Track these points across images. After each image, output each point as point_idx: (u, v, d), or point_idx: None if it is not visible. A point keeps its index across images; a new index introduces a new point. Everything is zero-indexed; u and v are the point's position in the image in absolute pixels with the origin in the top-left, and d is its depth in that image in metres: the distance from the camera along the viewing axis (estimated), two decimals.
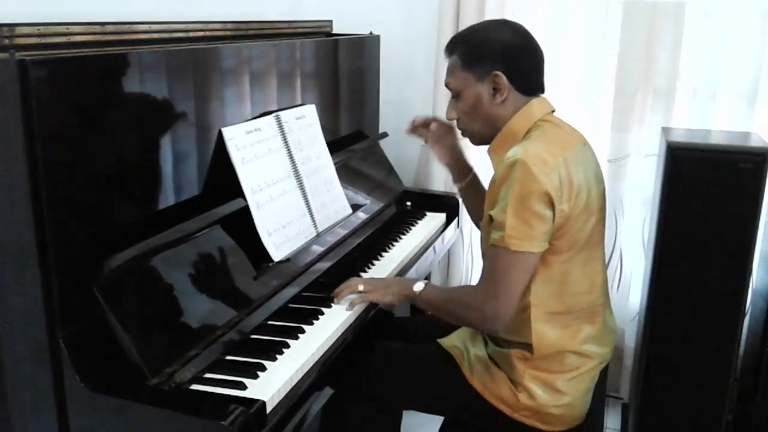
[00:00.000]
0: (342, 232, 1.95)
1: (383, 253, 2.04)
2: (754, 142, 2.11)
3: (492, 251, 1.50)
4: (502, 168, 1.48)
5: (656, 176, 2.37)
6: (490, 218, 1.51)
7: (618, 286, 2.66)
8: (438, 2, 2.59)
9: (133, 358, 1.22)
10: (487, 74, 1.57)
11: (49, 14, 1.46)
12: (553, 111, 1.64)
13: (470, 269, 2.82)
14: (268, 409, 1.27)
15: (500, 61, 1.56)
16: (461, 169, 1.94)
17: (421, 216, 2.43)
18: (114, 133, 1.32)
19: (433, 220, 2.42)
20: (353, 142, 2.34)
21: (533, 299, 1.52)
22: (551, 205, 1.44)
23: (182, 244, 1.43)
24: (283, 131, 1.80)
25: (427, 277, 2.48)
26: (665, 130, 2.29)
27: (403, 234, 2.23)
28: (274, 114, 1.80)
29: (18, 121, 1.09)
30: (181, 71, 1.50)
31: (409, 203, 2.53)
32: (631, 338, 2.62)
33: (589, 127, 2.51)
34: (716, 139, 2.18)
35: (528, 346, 1.55)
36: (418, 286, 1.67)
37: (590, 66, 2.55)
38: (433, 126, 1.94)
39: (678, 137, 2.14)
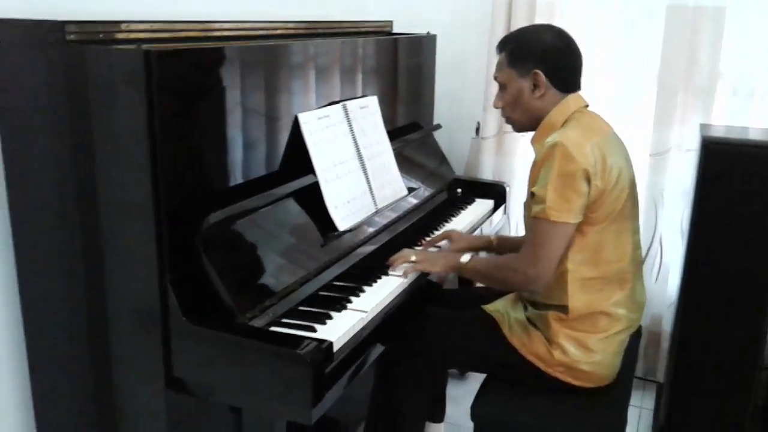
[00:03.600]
0: (398, 211, 2.17)
1: (434, 232, 2.26)
2: None
3: (533, 222, 1.70)
4: (543, 150, 1.69)
5: (694, 170, 2.52)
6: (532, 195, 1.71)
7: (658, 274, 2.81)
8: (491, 5, 2.78)
9: (225, 300, 1.47)
10: (528, 72, 1.79)
11: (151, 13, 1.74)
12: (587, 105, 1.83)
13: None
14: (335, 348, 1.49)
15: (541, 62, 1.77)
16: (484, 243, 2.17)
17: (471, 201, 2.63)
18: (214, 113, 1.56)
19: (482, 205, 2.62)
20: (409, 132, 2.55)
21: (570, 265, 1.72)
22: (588, 181, 1.64)
23: (264, 209, 1.67)
24: (348, 119, 2.04)
25: None
26: (703, 127, 2.44)
27: (453, 216, 2.44)
28: (341, 103, 2.03)
29: (142, 101, 1.34)
30: (264, 64, 1.74)
31: (459, 190, 2.73)
32: (668, 323, 2.77)
33: (632, 124, 2.68)
34: (752, 136, 2.32)
35: (564, 308, 1.74)
36: (465, 258, 1.88)
37: (634, 66, 2.70)
38: (444, 243, 2.15)
39: (715, 133, 2.29)
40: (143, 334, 1.51)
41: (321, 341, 1.43)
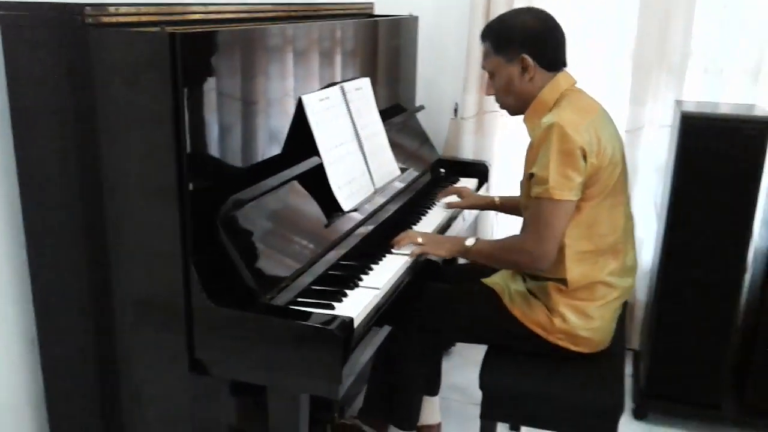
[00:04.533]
0: (391, 191, 2.21)
1: (427, 210, 2.32)
2: (758, 112, 2.37)
3: (536, 203, 1.76)
4: (540, 132, 1.74)
5: (670, 144, 2.63)
6: (530, 176, 1.77)
7: None
8: None
9: (247, 280, 1.49)
10: (515, 57, 1.84)
11: None
12: (575, 83, 1.90)
13: (494, 229, 3.08)
14: (355, 324, 1.53)
15: (525, 45, 1.83)
16: (489, 203, 2.37)
17: (455, 180, 2.70)
18: (229, 96, 1.58)
19: (466, 184, 2.68)
20: (393, 114, 2.59)
21: (567, 240, 1.79)
22: (584, 158, 1.71)
23: (274, 191, 1.69)
24: (346, 100, 2.06)
25: None
26: (678, 103, 2.55)
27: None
28: (339, 85, 2.05)
29: (167, 83, 1.35)
30: (268, 47, 1.75)
31: (443, 170, 2.79)
32: (642, 294, 2.89)
33: (608, 101, 2.74)
34: (724, 110, 2.43)
35: (563, 281, 1.81)
36: (470, 242, 1.93)
37: (610, 45, 2.79)
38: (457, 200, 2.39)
39: (690, 108, 2.39)
40: (165, 316, 1.53)
41: (345, 317, 1.47)
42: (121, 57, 1.39)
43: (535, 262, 1.79)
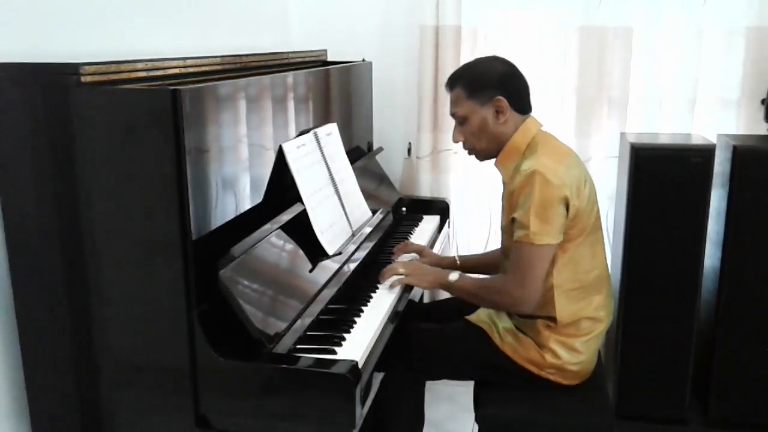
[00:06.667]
0: (366, 232, 2.24)
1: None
2: (698, 141, 2.54)
3: (517, 247, 1.81)
4: (521, 178, 1.80)
5: (618, 174, 2.77)
6: (512, 220, 1.83)
7: None
8: (419, 30, 2.91)
9: (252, 331, 1.48)
10: (489, 100, 1.90)
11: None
12: (542, 126, 1.98)
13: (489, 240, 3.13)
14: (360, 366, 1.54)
15: (499, 88, 1.90)
16: (450, 263, 2.23)
17: (419, 218, 2.75)
18: (226, 145, 1.59)
19: (431, 221, 2.74)
20: (355, 158, 2.63)
21: (555, 281, 1.85)
22: (566, 204, 1.78)
23: (265, 240, 1.69)
24: (320, 145, 2.09)
25: None
26: (623, 135, 2.70)
27: (410, 234, 2.55)
28: (312, 131, 2.08)
29: (170, 138, 1.35)
30: (252, 97, 1.76)
31: (404, 209, 2.83)
32: None
33: (556, 135, 2.89)
34: (666, 140, 2.59)
35: (552, 318, 1.87)
36: (453, 276, 1.97)
37: (553, 83, 2.93)
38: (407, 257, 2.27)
39: (636, 139, 2.54)
40: (168, 371, 1.49)
41: (352, 361, 1.47)
42: (119, 114, 1.38)
43: (516, 305, 1.84)
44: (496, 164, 1.97)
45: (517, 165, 1.87)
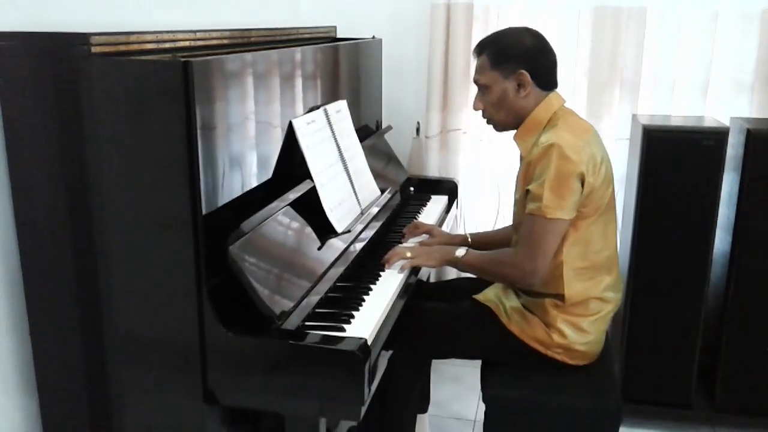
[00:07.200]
0: (374, 211, 2.22)
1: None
2: (712, 123, 2.51)
3: (529, 219, 1.80)
4: (539, 150, 1.79)
5: (629, 156, 2.74)
6: (526, 192, 1.81)
7: None
8: (430, 8, 2.88)
9: (261, 308, 1.47)
10: (513, 72, 1.88)
11: None
12: (565, 103, 1.96)
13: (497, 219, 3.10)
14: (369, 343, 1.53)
15: (524, 62, 1.87)
16: (461, 241, 2.21)
17: (428, 198, 2.73)
18: (235, 119, 1.57)
19: (439, 201, 2.72)
20: (364, 136, 2.61)
21: (565, 258, 1.83)
22: (582, 180, 1.76)
23: (274, 216, 1.68)
24: (330, 122, 2.07)
25: None
26: (635, 117, 2.67)
27: (419, 213, 2.53)
28: (322, 107, 2.06)
29: (180, 109, 1.33)
30: (265, 72, 1.74)
31: (412, 188, 2.82)
32: None
33: None
34: (679, 122, 2.57)
35: (560, 296, 1.86)
36: (460, 252, 1.95)
37: (566, 64, 2.89)
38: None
39: (648, 121, 2.51)
40: (177, 347, 1.48)
41: (362, 338, 1.47)
42: (129, 86, 1.36)
43: (525, 278, 1.83)
44: (515, 138, 1.95)
45: (536, 139, 1.85)
